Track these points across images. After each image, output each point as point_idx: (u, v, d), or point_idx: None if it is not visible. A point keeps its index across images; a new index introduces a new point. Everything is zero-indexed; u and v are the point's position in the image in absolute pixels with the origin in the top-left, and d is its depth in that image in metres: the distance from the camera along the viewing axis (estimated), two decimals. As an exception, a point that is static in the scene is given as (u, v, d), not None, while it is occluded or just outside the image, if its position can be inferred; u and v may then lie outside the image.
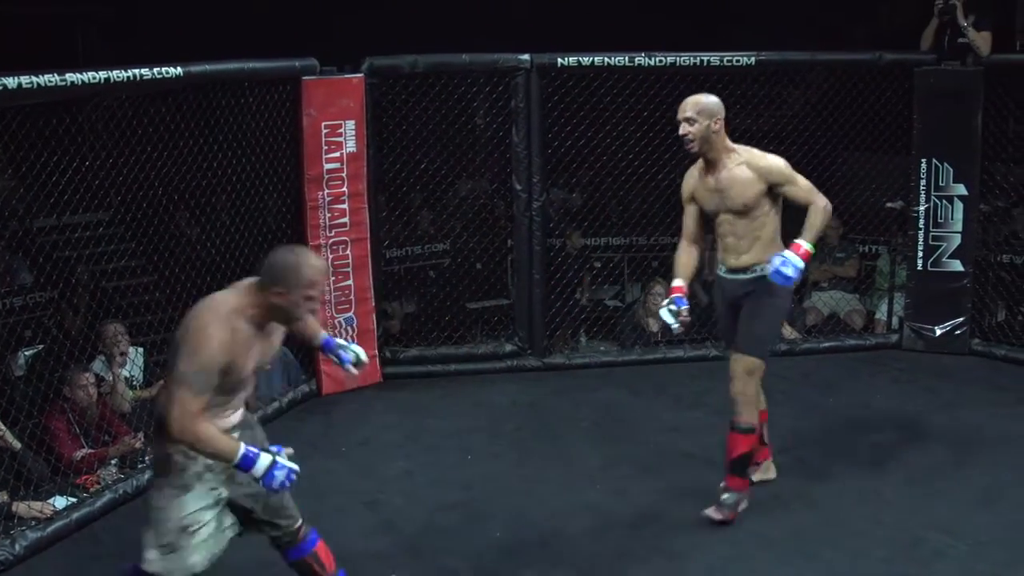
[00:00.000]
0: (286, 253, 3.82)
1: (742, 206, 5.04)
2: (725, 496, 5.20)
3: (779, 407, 6.58)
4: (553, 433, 6.40)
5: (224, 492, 3.95)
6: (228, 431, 3.88)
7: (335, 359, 4.39)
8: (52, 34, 10.94)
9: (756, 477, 5.48)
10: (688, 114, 4.98)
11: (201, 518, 3.90)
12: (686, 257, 5.31)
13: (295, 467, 3.84)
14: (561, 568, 4.83)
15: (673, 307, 5.14)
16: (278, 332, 3.96)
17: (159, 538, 3.88)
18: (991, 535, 5.05)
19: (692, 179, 5.24)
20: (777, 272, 4.91)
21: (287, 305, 3.77)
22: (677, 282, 5.25)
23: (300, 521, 4.23)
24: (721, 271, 5.29)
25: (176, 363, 3.71)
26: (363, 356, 4.43)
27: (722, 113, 5.02)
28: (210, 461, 3.84)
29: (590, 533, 5.14)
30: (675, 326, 5.16)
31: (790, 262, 4.88)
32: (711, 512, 5.17)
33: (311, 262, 3.81)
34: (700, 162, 5.17)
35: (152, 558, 3.90)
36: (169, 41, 9.36)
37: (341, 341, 4.44)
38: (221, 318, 3.72)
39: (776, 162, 5.05)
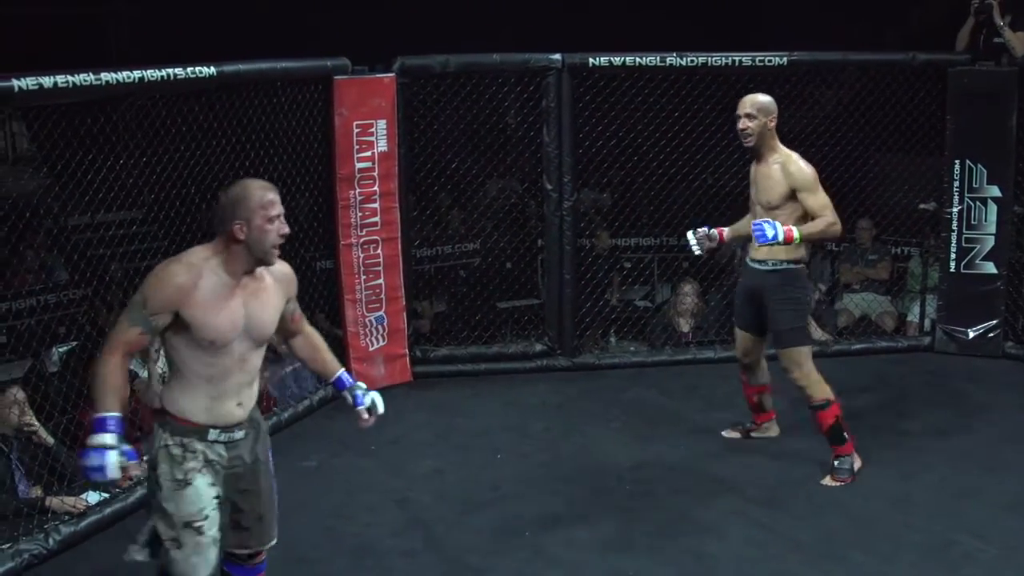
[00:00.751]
0: (228, 189, 3.70)
1: (767, 202, 5.50)
2: (837, 462, 5.66)
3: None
4: (582, 433, 6.40)
5: (221, 492, 3.79)
6: (231, 427, 3.76)
7: (349, 398, 4.22)
8: (77, 32, 11.04)
9: (755, 434, 6.17)
10: (748, 110, 5.46)
11: (205, 514, 3.73)
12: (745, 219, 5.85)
13: (117, 475, 3.52)
14: (588, 569, 4.83)
15: (702, 230, 5.83)
16: (269, 293, 3.80)
17: (165, 532, 3.73)
18: (1021, 539, 5.02)
19: (752, 165, 5.69)
20: (759, 225, 5.31)
21: (253, 237, 3.62)
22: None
23: (269, 545, 4.06)
24: (747, 257, 5.81)
25: None
26: (379, 406, 4.22)
27: (775, 112, 5.49)
28: (211, 456, 3.73)
29: (618, 534, 5.14)
30: (694, 244, 5.85)
31: (774, 226, 5.27)
32: (828, 480, 5.63)
33: (256, 184, 3.70)
34: None
35: (165, 547, 3.76)
36: (197, 40, 9.41)
37: (360, 384, 4.26)
38: (183, 263, 3.62)
39: (804, 169, 5.43)
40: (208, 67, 5.68)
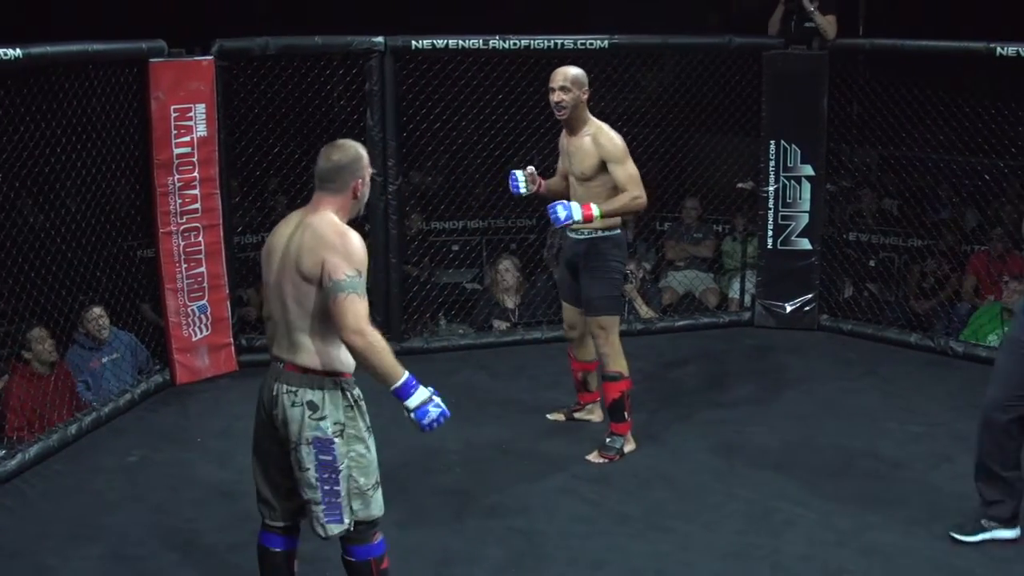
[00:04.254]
0: (340, 150, 3.80)
1: (580, 173, 5.56)
2: (608, 440, 5.74)
3: (636, 385, 6.67)
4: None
5: None
6: None
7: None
8: None
9: (578, 415, 6.22)
10: (562, 83, 5.47)
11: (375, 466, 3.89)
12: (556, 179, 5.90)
13: (448, 412, 3.80)
14: (418, 553, 4.82)
15: (531, 168, 5.75)
16: None
17: (366, 482, 3.83)
18: (838, 504, 5.22)
19: (562, 136, 5.76)
20: (552, 208, 5.38)
21: (363, 193, 3.84)
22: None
23: None
24: (565, 231, 5.79)
25: (324, 271, 3.63)
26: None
27: (587, 85, 5.54)
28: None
29: (450, 514, 5.15)
30: (521, 182, 5.73)
31: (568, 207, 5.36)
32: (593, 456, 5.70)
33: (356, 143, 3.87)
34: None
35: (356, 507, 3.84)
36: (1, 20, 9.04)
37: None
38: (348, 227, 3.74)
39: (614, 140, 5.51)
40: (14, 48, 5.42)
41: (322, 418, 3.74)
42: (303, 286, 3.69)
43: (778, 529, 5.01)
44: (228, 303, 6.98)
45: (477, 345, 7.61)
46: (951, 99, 7.42)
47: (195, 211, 6.71)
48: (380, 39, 6.99)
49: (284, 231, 3.82)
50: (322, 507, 3.80)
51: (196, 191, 6.68)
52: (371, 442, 3.86)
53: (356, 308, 3.62)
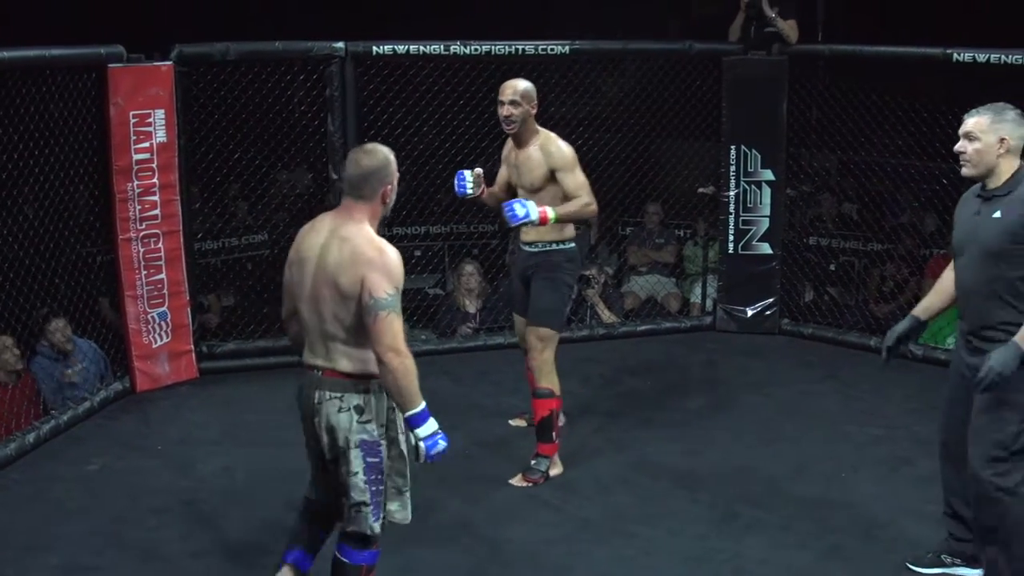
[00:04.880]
0: (369, 155, 3.86)
1: (530, 184, 5.48)
2: (533, 462, 5.57)
3: (597, 390, 6.73)
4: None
5: None
6: None
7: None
8: None
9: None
10: (512, 97, 5.41)
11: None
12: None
13: (449, 445, 3.88)
14: (381, 561, 4.80)
15: (478, 170, 5.71)
16: None
17: (402, 483, 3.98)
18: (799, 507, 5.26)
19: (507, 147, 5.72)
20: (509, 205, 5.29)
21: (391, 199, 3.90)
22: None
23: None
24: (519, 242, 5.78)
25: (364, 288, 3.69)
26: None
27: (536, 98, 5.48)
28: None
29: (414, 521, 5.10)
30: (469, 182, 5.67)
31: (526, 205, 5.26)
32: (515, 481, 5.52)
33: (386, 148, 3.92)
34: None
35: (393, 509, 3.99)
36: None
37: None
38: (385, 242, 3.79)
39: (563, 149, 5.45)
40: (-31, 54, 5.39)
41: (368, 421, 3.84)
42: (342, 300, 3.76)
43: (739, 533, 5.03)
44: (189, 310, 6.94)
45: (440, 351, 7.59)
46: (909, 104, 7.48)
47: (155, 217, 6.66)
48: (340, 44, 6.97)
49: (314, 240, 3.86)
50: (371, 508, 3.89)
51: (156, 197, 6.64)
52: (404, 444, 3.96)
53: (395, 327, 3.70)
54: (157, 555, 4.87)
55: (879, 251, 8.28)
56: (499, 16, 11.06)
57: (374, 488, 3.88)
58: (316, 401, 3.85)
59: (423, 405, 3.77)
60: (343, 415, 3.81)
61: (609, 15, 10.95)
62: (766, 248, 7.84)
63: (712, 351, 7.64)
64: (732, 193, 7.80)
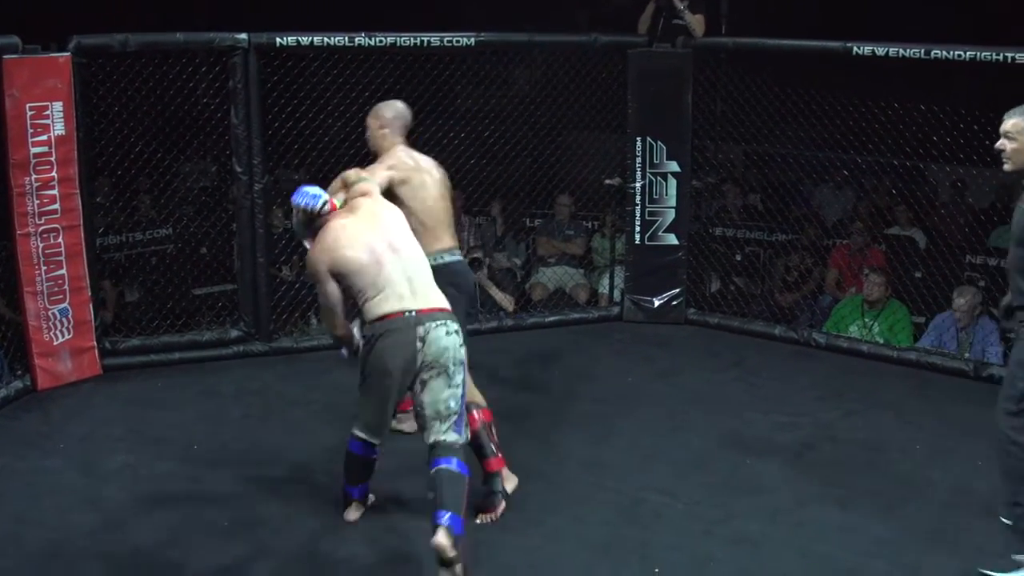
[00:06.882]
0: None
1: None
2: (484, 487, 5.20)
3: (505, 381, 6.75)
4: (283, 417, 6.31)
5: None
6: None
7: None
8: None
9: (393, 424, 5.39)
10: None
11: None
12: None
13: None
14: (290, 555, 4.78)
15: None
16: None
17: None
18: (706, 494, 5.33)
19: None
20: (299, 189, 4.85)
21: None
22: None
23: None
24: None
25: None
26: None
27: (387, 117, 5.51)
28: None
29: (325, 513, 5.11)
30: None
31: (310, 192, 4.81)
32: (480, 519, 5.07)
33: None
34: None
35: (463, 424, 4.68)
36: None
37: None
38: None
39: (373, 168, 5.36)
40: None
41: (463, 344, 4.61)
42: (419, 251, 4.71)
43: (646, 520, 5.08)
44: (91, 306, 6.81)
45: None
46: (811, 97, 7.61)
47: (54, 212, 6.53)
48: (243, 36, 6.88)
49: (365, 223, 4.74)
50: (460, 416, 4.59)
51: (55, 191, 6.50)
52: None
53: None
54: (60, 556, 4.79)
55: (783, 241, 8.42)
56: (411, 8, 11.03)
57: (463, 400, 4.61)
58: (422, 333, 4.47)
59: None
60: (451, 338, 4.52)
61: (519, 6, 10.94)
62: (672, 239, 7.92)
63: (619, 341, 7.71)
64: (638, 185, 7.87)
